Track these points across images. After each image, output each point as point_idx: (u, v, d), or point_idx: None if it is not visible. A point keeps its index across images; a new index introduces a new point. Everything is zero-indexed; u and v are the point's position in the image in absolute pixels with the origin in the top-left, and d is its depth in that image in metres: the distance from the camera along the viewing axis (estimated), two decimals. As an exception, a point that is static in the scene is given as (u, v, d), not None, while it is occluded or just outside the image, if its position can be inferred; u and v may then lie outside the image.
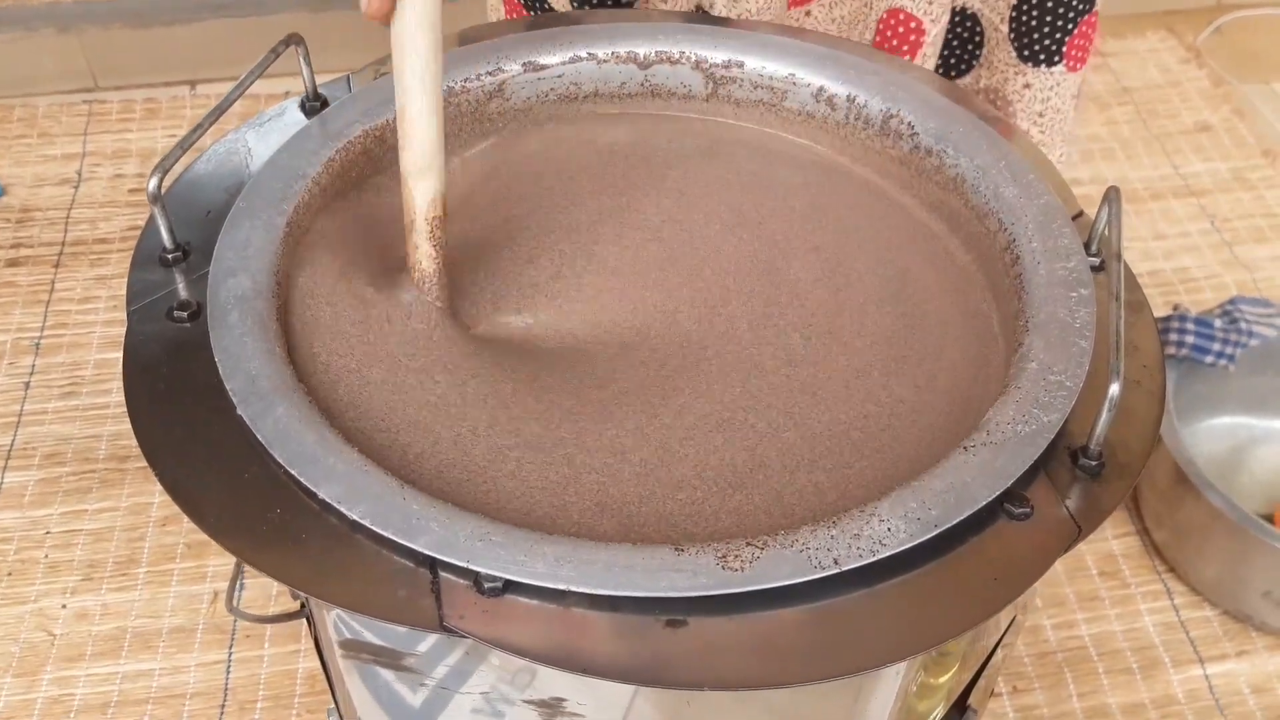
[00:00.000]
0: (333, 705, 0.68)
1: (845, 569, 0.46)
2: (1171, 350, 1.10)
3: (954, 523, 0.47)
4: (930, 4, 0.83)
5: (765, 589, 0.45)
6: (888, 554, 0.46)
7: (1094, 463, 0.50)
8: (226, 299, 0.54)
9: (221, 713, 0.97)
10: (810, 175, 0.69)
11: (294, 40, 0.64)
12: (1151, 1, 1.70)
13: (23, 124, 1.50)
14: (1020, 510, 0.49)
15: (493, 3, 0.91)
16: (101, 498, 1.11)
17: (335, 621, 0.53)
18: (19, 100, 1.53)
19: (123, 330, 0.54)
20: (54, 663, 1.00)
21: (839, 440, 0.55)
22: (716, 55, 0.70)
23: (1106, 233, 0.58)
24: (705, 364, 0.58)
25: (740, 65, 0.70)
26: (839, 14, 0.85)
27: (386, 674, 0.54)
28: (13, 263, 1.33)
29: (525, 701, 0.50)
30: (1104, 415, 0.49)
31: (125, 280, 0.57)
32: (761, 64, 0.70)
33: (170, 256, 0.57)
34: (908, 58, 0.87)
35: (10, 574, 1.05)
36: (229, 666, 1.00)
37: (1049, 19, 0.87)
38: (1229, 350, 1.09)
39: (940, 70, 0.96)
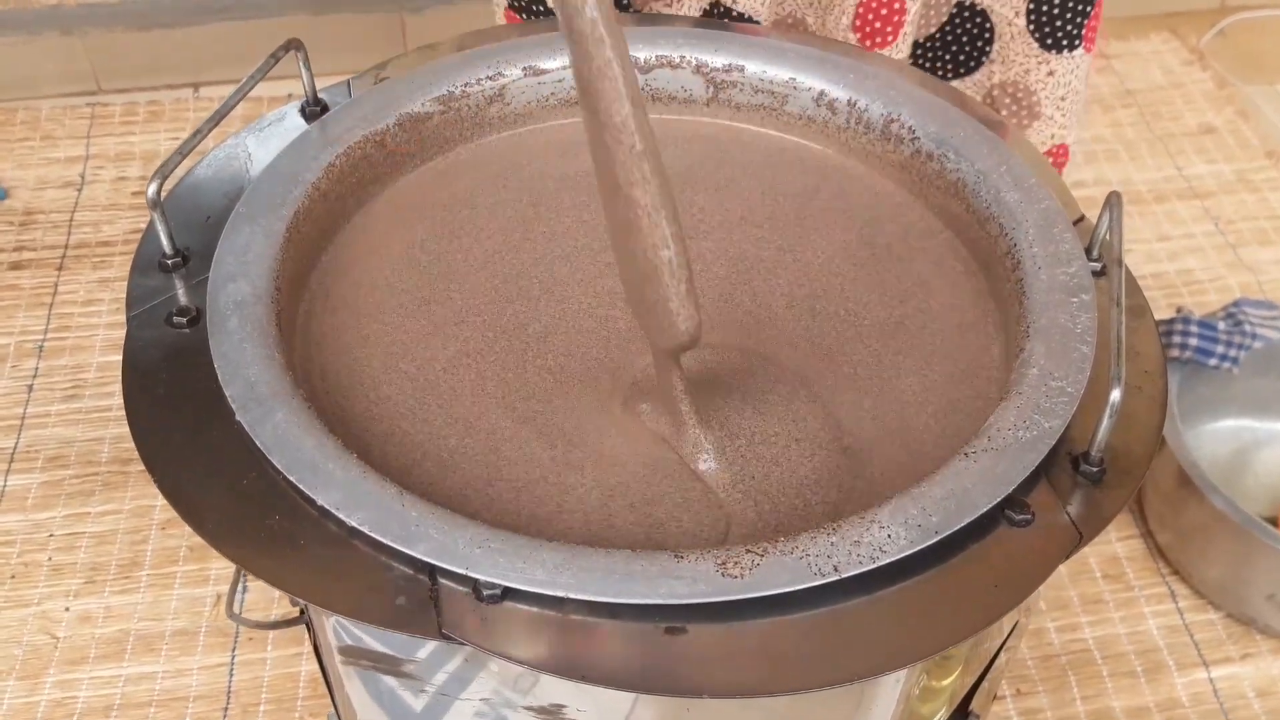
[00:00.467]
0: (332, 710, 0.68)
1: (845, 576, 0.45)
2: (1175, 353, 1.10)
3: (954, 529, 0.47)
4: None
5: (765, 596, 0.45)
6: (888, 561, 0.46)
7: (1095, 469, 0.50)
8: (226, 304, 0.54)
9: (225, 715, 0.97)
10: (810, 178, 0.68)
11: (293, 45, 0.64)
12: (1155, 3, 1.70)
13: (26, 127, 1.50)
14: (1021, 517, 0.48)
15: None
16: (104, 501, 1.11)
17: (334, 628, 0.53)
18: (22, 103, 1.53)
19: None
20: (57, 666, 1.00)
21: (835, 444, 0.54)
22: (717, 59, 0.70)
23: (1108, 237, 0.57)
24: (702, 367, 0.58)
25: (741, 69, 0.70)
26: None
27: (386, 680, 0.54)
28: (16, 265, 1.33)
29: (525, 708, 0.50)
30: (1105, 421, 0.49)
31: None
32: (762, 68, 0.70)
33: (170, 262, 0.57)
34: (890, 35, 0.87)
35: (13, 577, 1.05)
36: (232, 669, 1.00)
37: (1071, 4, 0.87)
38: (1233, 353, 1.09)
39: (949, 69, 0.96)
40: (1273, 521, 1.02)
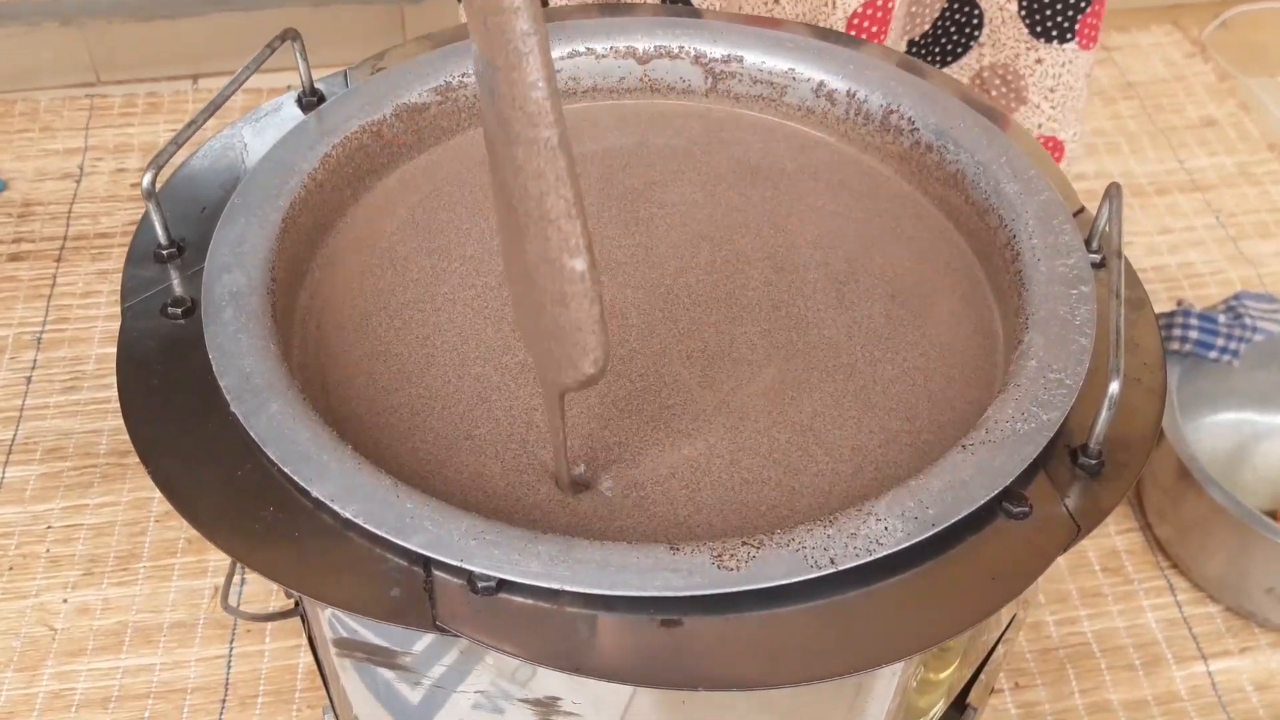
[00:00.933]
0: (328, 703, 0.68)
1: (842, 568, 0.45)
2: (1175, 346, 1.09)
3: (952, 522, 0.47)
4: None
5: (761, 588, 0.45)
6: (885, 553, 0.46)
7: (1094, 461, 0.50)
8: (221, 295, 0.54)
9: (222, 707, 0.97)
10: (811, 167, 0.68)
11: (290, 35, 0.63)
12: (1157, -5, 1.69)
13: (24, 118, 1.50)
14: (1019, 509, 0.48)
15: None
16: (103, 492, 1.11)
17: (329, 620, 0.53)
18: (21, 94, 1.53)
19: (125, 325, 0.54)
20: (55, 657, 1.00)
21: (833, 435, 0.54)
22: (716, 50, 0.70)
23: (1108, 229, 0.57)
24: (699, 359, 0.58)
25: (740, 60, 0.70)
26: None
27: (381, 672, 0.53)
28: (14, 257, 1.32)
29: (521, 700, 0.50)
30: (1104, 413, 0.49)
31: (124, 276, 0.56)
32: (761, 59, 0.69)
33: (165, 253, 0.57)
34: (880, 37, 0.87)
35: (11, 569, 1.05)
36: (230, 661, 1.00)
37: None
38: (1233, 346, 1.09)
39: (938, 58, 0.96)
40: (1272, 515, 1.02)
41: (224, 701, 0.98)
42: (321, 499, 0.46)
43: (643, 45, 0.70)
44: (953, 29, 0.92)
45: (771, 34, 0.70)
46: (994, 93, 0.95)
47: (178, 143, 0.56)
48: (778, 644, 0.44)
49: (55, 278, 1.30)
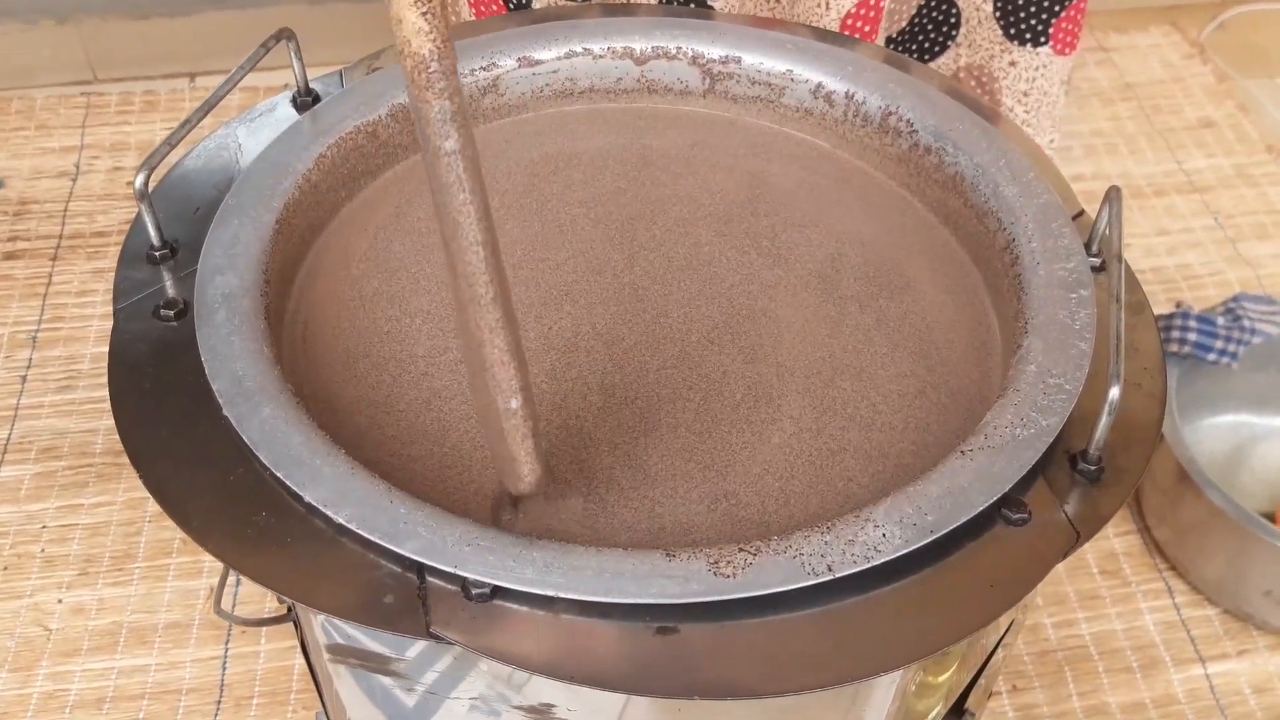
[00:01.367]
0: (321, 709, 0.68)
1: (839, 576, 0.45)
2: (1174, 348, 1.09)
3: (950, 529, 0.46)
4: None
5: (758, 596, 0.44)
6: (882, 560, 0.45)
7: (1093, 467, 0.50)
8: (214, 297, 0.53)
9: (217, 708, 0.97)
10: (807, 172, 0.68)
11: (284, 35, 0.63)
12: (1155, -4, 1.69)
13: (20, 116, 1.49)
14: (1018, 516, 0.48)
15: None
16: (98, 492, 1.11)
17: (322, 625, 0.53)
18: (16, 92, 1.52)
19: (120, 324, 0.54)
20: (49, 658, 0.99)
21: (831, 442, 0.54)
22: (714, 51, 0.69)
23: (1107, 233, 0.57)
24: (698, 362, 0.57)
25: (738, 61, 0.69)
26: None
27: (374, 678, 0.53)
28: (10, 255, 1.32)
29: (515, 707, 0.50)
30: (1103, 419, 0.48)
31: (118, 277, 0.56)
32: (759, 60, 0.69)
33: (158, 254, 0.57)
34: (872, 36, 0.87)
35: (6, 568, 1.05)
36: (225, 662, 0.99)
37: None
38: (1232, 348, 1.08)
39: (913, 53, 0.96)
40: (1270, 517, 1.02)
41: (219, 703, 0.97)
42: (314, 504, 0.46)
43: (640, 46, 0.69)
44: (930, 26, 0.92)
45: (770, 35, 0.70)
46: None
47: (171, 143, 0.55)
48: (774, 652, 0.44)
49: (51, 276, 1.30)
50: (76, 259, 1.32)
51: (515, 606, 0.44)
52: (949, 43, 0.93)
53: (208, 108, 0.57)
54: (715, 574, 0.44)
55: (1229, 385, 1.12)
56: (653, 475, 0.52)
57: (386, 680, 0.52)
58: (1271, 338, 1.09)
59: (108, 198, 1.39)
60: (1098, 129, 1.51)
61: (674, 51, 0.69)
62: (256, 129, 0.64)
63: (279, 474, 0.47)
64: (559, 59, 0.69)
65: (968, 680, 0.65)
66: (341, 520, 0.45)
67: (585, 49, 0.69)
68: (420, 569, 0.45)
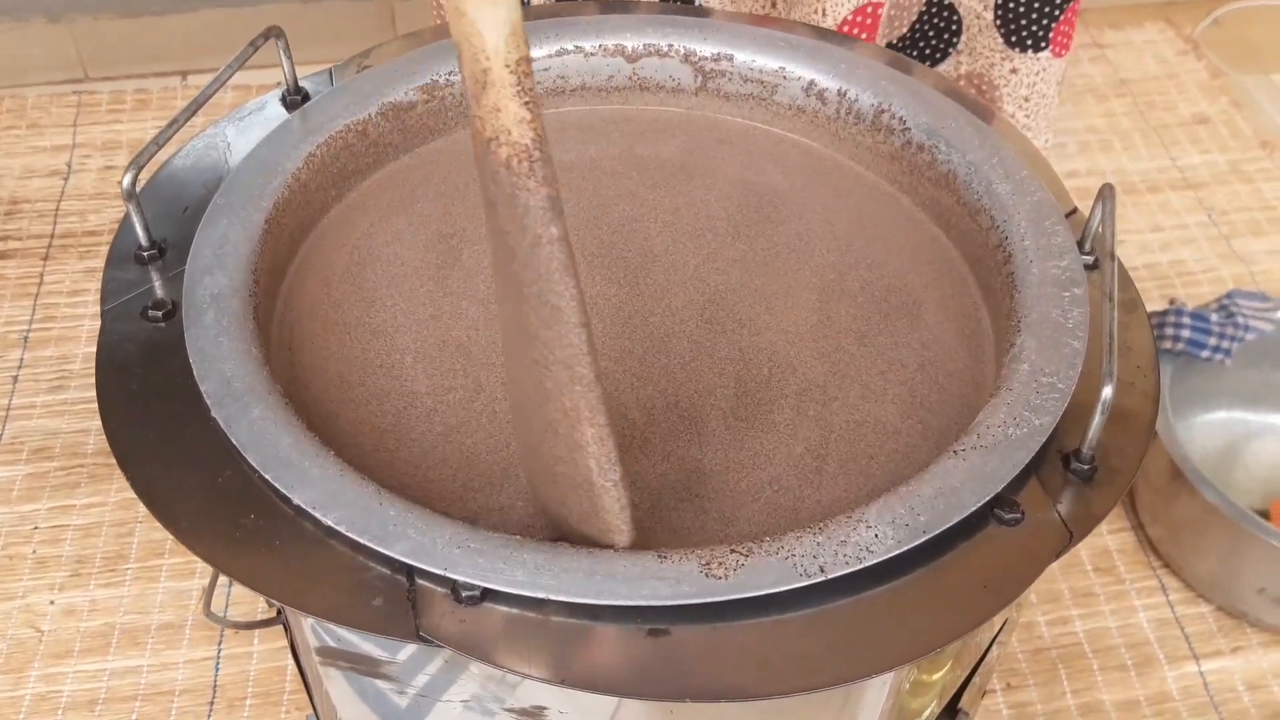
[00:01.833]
0: (311, 712, 0.67)
1: (831, 577, 0.45)
2: (1167, 345, 1.09)
3: (943, 529, 0.46)
4: None
5: (750, 597, 0.44)
6: (875, 561, 0.45)
7: (1086, 466, 0.49)
8: (202, 298, 0.53)
9: (210, 709, 0.97)
10: (799, 172, 0.68)
11: (273, 33, 0.63)
12: (1150, -8, 1.69)
13: (11, 115, 1.49)
14: (1011, 515, 0.48)
15: None
16: (90, 493, 1.10)
17: (312, 628, 0.52)
18: (8, 91, 1.52)
19: (113, 325, 0.53)
20: (41, 659, 0.99)
21: (824, 443, 0.54)
22: (706, 48, 0.69)
23: (1100, 231, 0.57)
24: (692, 363, 0.57)
25: (730, 58, 0.69)
26: None
27: (365, 681, 0.53)
28: (1, 255, 1.31)
29: (507, 710, 0.50)
30: (1097, 418, 0.48)
31: (111, 276, 0.56)
32: (751, 57, 0.69)
33: (146, 254, 0.56)
34: (869, 38, 0.87)
35: (-3, 570, 1.04)
36: (218, 663, 0.99)
37: (1036, 5, 0.87)
38: (1225, 345, 1.08)
39: (914, 59, 0.96)
40: (1264, 514, 1.02)
41: (212, 704, 0.97)
42: (303, 506, 0.45)
43: (632, 43, 0.69)
44: (931, 33, 0.92)
45: (762, 32, 0.69)
46: None
47: (159, 142, 0.55)
48: (767, 653, 0.44)
49: (42, 276, 1.29)
50: (68, 258, 1.31)
51: (506, 609, 0.44)
52: (950, 50, 0.93)
53: (195, 107, 0.57)
54: (707, 575, 0.44)
55: (1223, 382, 1.12)
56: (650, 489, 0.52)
57: (377, 683, 0.52)
58: (1265, 335, 1.09)
59: (99, 197, 1.39)
60: (1092, 125, 1.51)
61: (666, 49, 0.69)
62: (245, 128, 0.64)
63: (268, 476, 0.46)
64: (550, 56, 0.69)
65: (962, 679, 0.64)
66: (330, 522, 0.45)
67: (576, 46, 0.69)
68: (410, 571, 0.44)
